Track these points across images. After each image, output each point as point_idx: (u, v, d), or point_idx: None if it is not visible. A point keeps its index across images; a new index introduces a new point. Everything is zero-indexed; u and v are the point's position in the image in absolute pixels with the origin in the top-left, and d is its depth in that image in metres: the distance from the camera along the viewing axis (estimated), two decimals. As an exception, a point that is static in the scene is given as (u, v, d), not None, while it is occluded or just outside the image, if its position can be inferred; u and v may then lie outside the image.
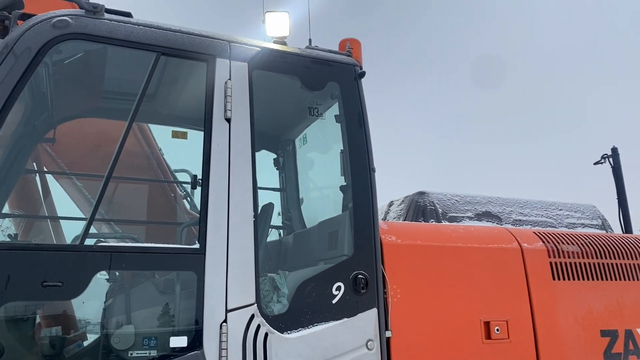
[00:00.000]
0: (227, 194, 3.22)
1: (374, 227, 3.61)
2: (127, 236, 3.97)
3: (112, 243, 3.49)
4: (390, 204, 5.12)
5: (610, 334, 4.20)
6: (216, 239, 3.13)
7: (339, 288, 3.42)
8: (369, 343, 3.38)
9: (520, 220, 4.91)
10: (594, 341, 4.13)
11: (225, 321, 3.03)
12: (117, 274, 3.33)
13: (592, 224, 5.26)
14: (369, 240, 3.58)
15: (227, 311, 3.05)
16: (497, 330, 3.81)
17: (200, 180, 3.23)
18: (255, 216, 3.28)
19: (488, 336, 3.78)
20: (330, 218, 3.97)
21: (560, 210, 5.23)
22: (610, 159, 5.83)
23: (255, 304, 3.15)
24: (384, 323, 3.48)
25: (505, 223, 4.82)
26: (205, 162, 3.24)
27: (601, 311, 4.24)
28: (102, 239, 3.24)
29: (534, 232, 4.38)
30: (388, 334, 3.48)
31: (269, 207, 3.85)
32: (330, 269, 3.48)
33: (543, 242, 4.28)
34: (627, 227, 5.56)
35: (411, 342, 3.56)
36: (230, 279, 3.11)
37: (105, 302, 3.30)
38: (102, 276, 3.25)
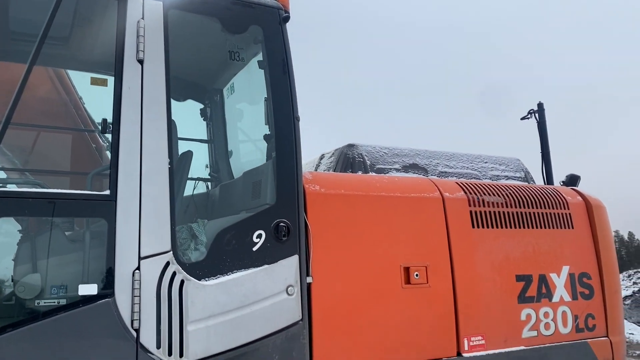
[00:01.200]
0: (140, 140, 3.10)
1: (297, 176, 3.59)
2: (31, 182, 3.79)
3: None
4: (321, 157, 5.11)
5: (525, 279, 4.41)
6: (128, 185, 3.02)
7: (259, 236, 3.40)
8: (289, 289, 3.41)
9: (445, 172, 5.02)
10: (509, 285, 4.33)
11: (138, 268, 2.97)
12: (24, 222, 3.19)
13: (515, 177, 5.44)
14: (292, 188, 3.56)
15: (140, 259, 2.99)
16: (417, 275, 3.92)
17: (110, 125, 3.09)
18: (170, 164, 3.19)
19: (408, 281, 3.89)
20: (255, 168, 3.92)
21: (486, 163, 5.37)
22: (536, 114, 6.01)
23: (171, 252, 3.09)
24: (305, 269, 3.51)
25: (431, 175, 4.91)
26: (115, 105, 3.10)
27: (517, 257, 4.44)
28: (2, 185, 3.07)
29: (457, 183, 4.48)
30: (309, 279, 3.52)
31: (187, 155, 3.75)
32: (252, 217, 3.45)
33: (465, 192, 4.40)
34: (548, 180, 5.78)
35: (332, 287, 3.61)
36: (143, 227, 3.03)
37: (13, 252, 3.17)
38: (7, 224, 3.11)
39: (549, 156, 5.85)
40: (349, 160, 4.64)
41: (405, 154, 4.96)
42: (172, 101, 4.77)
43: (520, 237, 4.50)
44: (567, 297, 4.59)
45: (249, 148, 4.67)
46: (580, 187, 5.36)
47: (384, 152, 4.84)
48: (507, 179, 5.34)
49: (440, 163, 5.08)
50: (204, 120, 4.92)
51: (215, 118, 4.89)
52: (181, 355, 3.02)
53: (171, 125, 3.25)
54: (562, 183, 5.53)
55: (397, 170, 4.77)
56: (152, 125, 3.14)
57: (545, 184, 5.76)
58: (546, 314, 4.44)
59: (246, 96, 4.56)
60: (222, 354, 3.14)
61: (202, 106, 4.93)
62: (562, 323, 4.51)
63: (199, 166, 4.84)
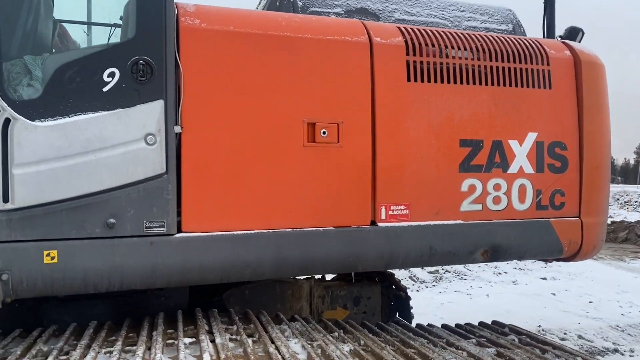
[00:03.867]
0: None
1: (164, 4, 3.01)
2: None
3: None
4: (259, 3, 4.42)
5: (473, 145, 3.73)
6: None
7: (112, 74, 2.93)
8: (148, 137, 2.97)
9: (404, 20, 4.19)
10: (448, 151, 3.67)
11: (-54, 102, 2.62)
12: None
13: (499, 29, 4.50)
14: (157, 19, 3.00)
15: (-51, 91, 2.63)
16: (324, 133, 3.35)
17: None
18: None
19: (312, 139, 3.35)
20: (130, -1, 3.35)
21: (462, 11, 4.46)
22: (544, -47, 4.85)
23: (-6, 86, 2.71)
24: (173, 117, 3.05)
25: (384, 22, 4.12)
26: None
27: (465, 119, 3.72)
28: None
29: (397, 27, 3.70)
30: (177, 129, 3.06)
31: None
32: (102, 52, 2.97)
33: (404, 37, 3.63)
34: (549, 34, 4.78)
35: (210, 141, 3.14)
36: (-47, 54, 2.63)
37: None
38: None
39: (553, 5, 4.78)
40: (275, 1, 3.94)
41: (354, -4, 4.16)
42: None
43: (473, 96, 3.74)
44: (529, 169, 3.87)
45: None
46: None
47: (326, -6, 4.07)
48: (487, 32, 4.43)
49: (399, 9, 4.25)
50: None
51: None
52: (5, 200, 2.73)
53: None
54: (559, 38, 4.54)
55: (338, 14, 4.02)
56: None
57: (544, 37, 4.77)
58: (497, 187, 3.78)
59: None
60: (59, 202, 2.83)
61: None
62: (519, 198, 3.85)
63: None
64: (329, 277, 5.34)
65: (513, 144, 3.82)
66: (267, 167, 3.25)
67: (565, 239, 3.95)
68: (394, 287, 5.53)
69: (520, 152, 3.84)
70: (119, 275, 2.96)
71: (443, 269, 13.65)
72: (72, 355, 2.87)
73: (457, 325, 4.24)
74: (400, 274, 13.33)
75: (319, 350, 3.11)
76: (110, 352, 2.91)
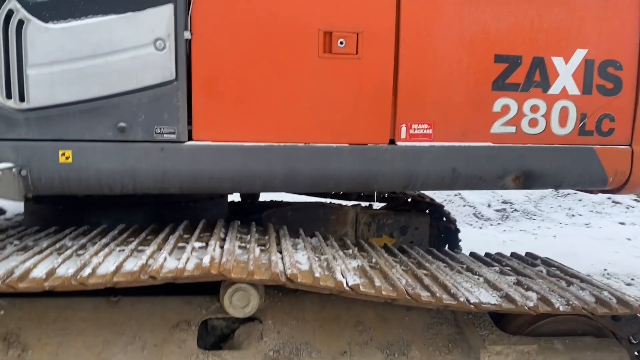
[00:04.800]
0: None
1: None
2: None
3: None
4: None
5: (509, 61, 3.41)
6: None
7: (122, -23, 2.91)
8: (157, 42, 2.97)
9: None
10: (482, 67, 3.39)
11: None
12: None
13: None
14: None
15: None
16: (341, 43, 3.19)
17: None
18: None
19: (328, 50, 3.20)
20: None
21: None
22: None
23: (9, -14, 2.78)
24: (182, 22, 3.00)
25: None
26: None
27: (503, 33, 3.39)
28: None
29: None
30: (187, 35, 3.02)
31: None
32: (111, -46, 2.94)
33: (438, -61, 3.31)
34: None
35: (221, 49, 3.08)
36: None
37: None
38: None
39: None
40: None
41: None
42: None
43: (514, 6, 3.39)
44: (575, 90, 3.51)
45: None
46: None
47: None
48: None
49: None
50: None
51: None
52: (22, 99, 2.86)
53: None
54: (632, -58, 3.97)
55: None
56: None
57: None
58: (535, 108, 3.48)
59: None
60: (72, 104, 2.92)
61: None
62: (559, 121, 3.53)
63: None
64: (376, 205, 5.31)
65: (557, 61, 3.46)
66: (279, 78, 3.16)
67: (610, 168, 3.61)
68: (444, 219, 5.42)
69: (565, 71, 3.48)
70: (131, 178, 3.06)
71: (512, 208, 13.18)
72: (88, 250, 3.06)
73: (487, 254, 4.09)
74: (464, 211, 13.03)
75: (325, 264, 3.11)
76: (123, 250, 3.07)
